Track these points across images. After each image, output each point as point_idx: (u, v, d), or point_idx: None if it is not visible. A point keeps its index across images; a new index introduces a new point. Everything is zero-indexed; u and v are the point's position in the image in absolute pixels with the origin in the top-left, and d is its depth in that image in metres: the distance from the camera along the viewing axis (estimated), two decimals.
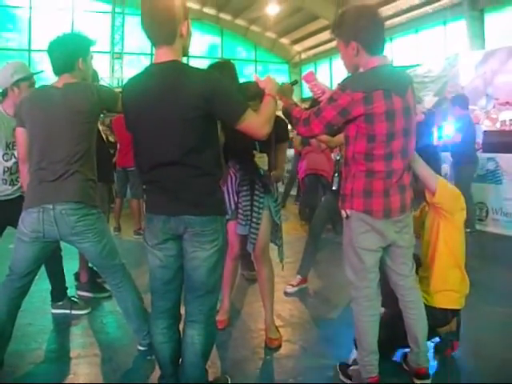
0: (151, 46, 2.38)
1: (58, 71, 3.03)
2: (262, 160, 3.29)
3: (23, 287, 3.05)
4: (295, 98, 3.02)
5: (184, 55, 2.43)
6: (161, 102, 2.26)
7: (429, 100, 10.79)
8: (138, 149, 2.46)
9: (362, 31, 2.57)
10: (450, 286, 3.02)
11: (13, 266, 3.00)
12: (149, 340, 3.02)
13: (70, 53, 3.01)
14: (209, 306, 2.50)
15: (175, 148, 2.28)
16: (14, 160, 3.60)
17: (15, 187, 3.67)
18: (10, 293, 3.01)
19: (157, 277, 2.51)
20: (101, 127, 4.83)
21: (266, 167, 3.31)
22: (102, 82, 5.78)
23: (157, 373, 2.75)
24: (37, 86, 3.54)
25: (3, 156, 3.59)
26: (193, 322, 2.49)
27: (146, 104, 2.31)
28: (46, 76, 3.78)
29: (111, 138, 7.78)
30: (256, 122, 2.35)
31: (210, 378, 2.77)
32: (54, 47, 3.02)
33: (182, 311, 2.60)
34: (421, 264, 3.13)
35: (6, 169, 3.62)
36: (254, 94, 3.00)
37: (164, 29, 2.30)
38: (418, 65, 12.21)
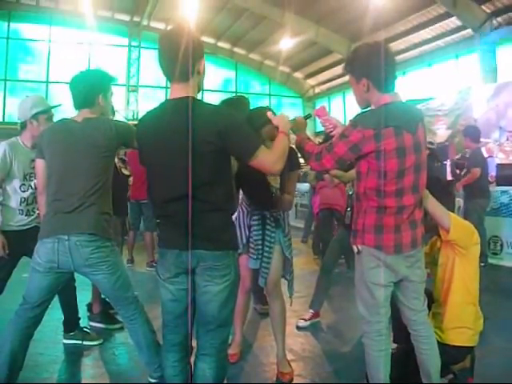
0: (166, 79, 2.46)
1: (78, 106, 3.12)
2: (275, 180, 3.32)
3: (36, 317, 3.07)
4: (308, 132, 3.07)
5: (199, 90, 2.49)
6: (175, 136, 2.31)
7: (442, 133, 10.81)
8: (151, 183, 2.50)
9: (372, 69, 2.62)
10: (464, 323, 2.99)
11: (27, 295, 3.03)
12: (160, 373, 3.02)
13: (91, 89, 3.10)
14: (220, 340, 2.50)
15: (188, 182, 2.31)
16: (30, 191, 3.68)
17: (31, 218, 3.74)
18: (23, 322, 3.03)
19: (168, 310, 2.53)
20: (115, 159, 4.89)
21: (277, 185, 3.34)
22: (117, 115, 5.89)
23: None
24: (55, 119, 3.64)
25: (20, 187, 3.68)
26: (204, 355, 2.49)
27: (161, 138, 2.36)
28: (64, 109, 3.89)
29: (125, 171, 7.87)
30: (269, 159, 2.38)
31: None
32: (76, 82, 3.11)
33: (194, 344, 2.60)
34: (433, 300, 3.10)
35: (23, 199, 3.71)
36: (264, 120, 3.05)
37: (181, 67, 2.36)
38: (430, 98, 12.25)
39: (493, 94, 10.84)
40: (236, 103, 3.55)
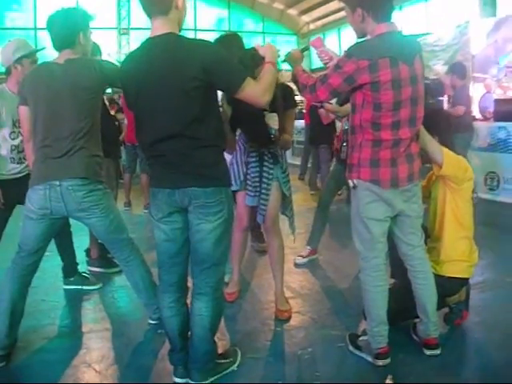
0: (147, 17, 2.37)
1: (59, 47, 3.00)
2: (272, 119, 3.23)
3: (33, 264, 3.06)
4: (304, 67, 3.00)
5: (180, 29, 2.41)
6: (159, 74, 2.25)
7: (439, 69, 10.62)
8: (139, 124, 2.45)
9: None
10: (458, 255, 3.00)
11: (22, 243, 3.01)
12: (159, 314, 3.05)
13: (71, 27, 2.98)
14: (216, 279, 2.51)
15: (176, 120, 2.28)
16: (20, 138, 3.59)
17: (23, 165, 3.67)
18: (21, 270, 3.03)
19: (163, 251, 2.52)
20: (107, 102, 4.81)
21: (276, 126, 3.25)
22: (109, 58, 5.76)
23: (167, 346, 2.77)
24: (40, 62, 3.52)
25: (10, 134, 3.59)
26: (200, 294, 2.50)
27: (145, 78, 2.29)
28: (49, 53, 3.76)
29: (119, 115, 7.78)
30: (256, 90, 2.33)
31: (220, 351, 2.79)
32: (54, 22, 2.98)
33: (190, 284, 2.61)
34: (429, 235, 3.10)
35: (14, 147, 3.62)
36: (257, 61, 2.97)
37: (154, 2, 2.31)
38: (427, 33, 11.98)
39: (492, 29, 10.57)
40: (228, 41, 3.45)
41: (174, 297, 2.59)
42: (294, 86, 3.07)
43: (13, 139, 3.61)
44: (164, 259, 2.54)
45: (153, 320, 3.30)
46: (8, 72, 3.60)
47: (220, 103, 3.26)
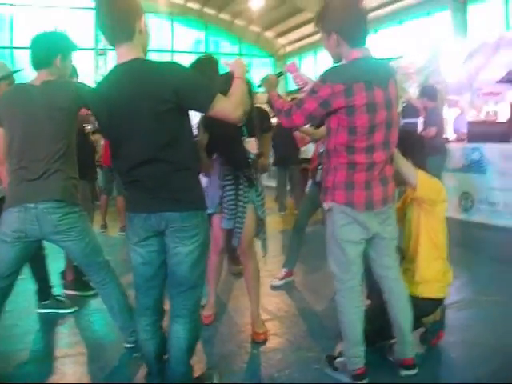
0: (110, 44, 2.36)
1: (36, 65, 3.01)
2: (251, 144, 3.25)
3: (5, 288, 3.01)
4: (281, 91, 3.04)
5: (145, 53, 2.41)
6: (130, 100, 2.24)
7: (413, 91, 10.81)
8: (113, 151, 2.44)
9: (342, 23, 2.57)
10: (433, 276, 3.04)
11: None
12: (135, 337, 3.02)
13: (50, 48, 3.00)
14: (193, 301, 2.50)
15: (149, 145, 2.27)
16: None
17: None
18: None
19: (139, 274, 2.50)
20: (90, 126, 4.80)
21: (255, 151, 3.27)
22: (86, 79, 5.75)
23: (144, 370, 2.75)
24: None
25: None
26: (177, 316, 2.48)
27: (116, 105, 2.28)
28: (27, 74, 3.75)
29: (95, 136, 7.74)
30: (227, 107, 2.32)
31: (196, 374, 2.77)
32: (35, 41, 3.01)
33: (167, 307, 2.60)
34: (404, 256, 3.14)
35: None
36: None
37: (122, 25, 2.29)
38: (399, 56, 12.19)
39: (465, 58, 10.80)
40: (204, 64, 3.48)
41: (150, 320, 2.58)
42: (268, 109, 3.11)
43: None
44: (140, 282, 2.53)
45: (129, 343, 3.26)
46: None
47: (196, 131, 3.29)
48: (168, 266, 2.45)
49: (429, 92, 7.38)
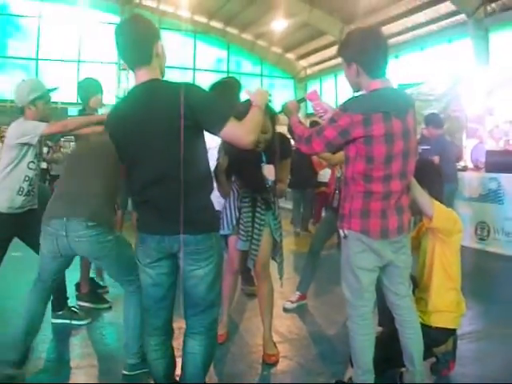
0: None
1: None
2: (269, 170, 3.26)
3: (50, 289, 3.31)
4: (300, 114, 3.08)
5: (162, 75, 2.47)
6: (146, 117, 2.29)
7: None
8: (129, 170, 2.48)
9: (363, 54, 2.62)
10: (446, 306, 3.04)
11: (40, 272, 3.21)
12: (138, 359, 3.08)
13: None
14: (210, 319, 2.51)
15: (163, 162, 2.31)
16: (36, 172, 3.78)
17: (28, 198, 3.75)
18: (39, 292, 3.24)
19: (149, 295, 2.53)
20: None
21: (273, 178, 3.28)
22: (109, 94, 5.86)
23: None
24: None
25: (29, 164, 3.68)
26: (193, 333, 2.50)
27: (132, 123, 2.34)
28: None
29: None
30: (240, 131, 2.33)
31: None
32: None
33: (175, 325, 2.64)
34: (417, 285, 3.15)
35: (27, 178, 3.69)
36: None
37: (140, 50, 2.37)
38: (421, 83, 12.23)
39: (487, 92, 10.77)
40: (226, 85, 3.53)
41: (159, 340, 2.60)
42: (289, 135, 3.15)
43: (30, 169, 3.69)
44: (150, 303, 2.55)
45: (126, 370, 3.15)
46: (22, 111, 3.71)
47: (217, 156, 3.34)
48: (183, 289, 2.47)
49: (433, 120, 7.34)
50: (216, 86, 3.44)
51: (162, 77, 2.47)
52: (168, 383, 2.65)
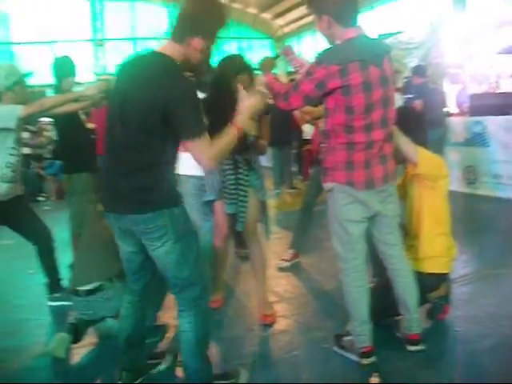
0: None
1: None
2: (251, 128, 3.13)
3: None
4: (281, 72, 3.04)
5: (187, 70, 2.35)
6: (133, 87, 2.23)
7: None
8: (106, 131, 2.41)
9: (331, 4, 2.56)
10: (437, 251, 3.06)
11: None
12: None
13: None
14: (191, 298, 2.43)
15: (126, 131, 2.22)
16: (18, 158, 3.74)
17: (11, 185, 3.71)
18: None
19: (126, 267, 2.57)
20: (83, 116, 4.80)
21: (254, 133, 3.21)
22: (86, 72, 5.79)
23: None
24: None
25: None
26: (181, 311, 2.48)
27: (123, 86, 2.29)
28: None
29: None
30: (206, 152, 2.23)
31: (220, 371, 2.75)
32: None
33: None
34: (407, 233, 3.15)
35: (9, 164, 3.66)
36: (236, 70, 3.08)
37: (178, 26, 2.28)
38: (398, 32, 12.10)
39: (465, 39, 10.67)
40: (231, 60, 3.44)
41: (133, 299, 2.65)
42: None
43: (11, 155, 3.65)
44: (128, 273, 2.60)
45: None
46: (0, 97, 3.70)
47: None
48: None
49: (417, 70, 7.57)
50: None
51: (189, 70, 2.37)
52: (128, 345, 2.70)
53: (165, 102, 2.14)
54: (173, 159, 2.38)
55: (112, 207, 2.36)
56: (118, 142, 2.26)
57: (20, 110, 3.54)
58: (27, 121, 4.07)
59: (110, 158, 2.34)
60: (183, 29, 2.27)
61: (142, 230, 2.28)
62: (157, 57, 2.27)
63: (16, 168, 3.70)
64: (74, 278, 3.31)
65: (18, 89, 3.71)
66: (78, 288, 3.17)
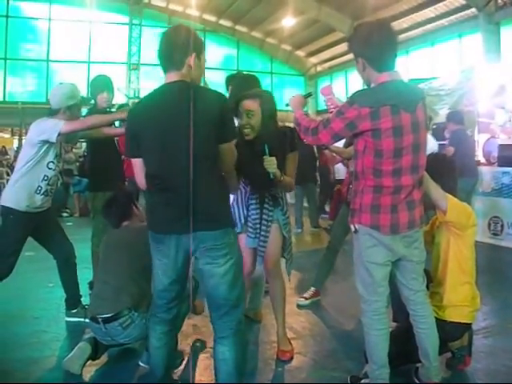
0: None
1: None
2: (270, 163, 3.15)
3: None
4: (310, 111, 3.08)
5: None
6: (178, 114, 2.31)
7: (444, 113, 10.73)
8: (146, 162, 2.48)
9: (367, 48, 2.62)
10: (461, 300, 3.02)
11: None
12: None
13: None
14: (236, 321, 2.49)
15: (188, 155, 2.30)
16: (56, 172, 3.85)
17: (46, 198, 3.83)
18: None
19: (161, 296, 2.57)
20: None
21: (274, 170, 3.17)
22: (118, 92, 5.90)
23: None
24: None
25: (48, 164, 3.76)
26: (222, 338, 2.48)
27: (162, 119, 2.36)
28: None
29: None
30: (231, 157, 2.55)
31: None
32: None
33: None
34: (431, 279, 3.12)
35: (46, 177, 3.77)
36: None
37: (172, 57, 2.45)
38: (433, 78, 12.16)
39: (498, 88, 10.67)
40: (249, 80, 3.54)
41: (165, 329, 2.64)
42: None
43: (49, 169, 3.75)
44: (161, 304, 2.60)
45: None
46: (54, 112, 3.82)
47: None
48: (205, 289, 2.49)
49: (454, 116, 7.48)
50: (236, 80, 3.43)
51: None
52: (164, 374, 2.68)
53: (221, 111, 2.37)
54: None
55: (173, 228, 2.39)
56: (180, 163, 2.32)
57: (62, 125, 3.64)
58: (68, 138, 4.16)
59: (169, 179, 2.39)
60: (180, 54, 2.44)
61: (209, 247, 2.35)
62: (179, 83, 2.42)
63: (52, 182, 3.80)
64: (92, 305, 3.34)
65: (75, 110, 3.86)
66: (96, 316, 3.19)
